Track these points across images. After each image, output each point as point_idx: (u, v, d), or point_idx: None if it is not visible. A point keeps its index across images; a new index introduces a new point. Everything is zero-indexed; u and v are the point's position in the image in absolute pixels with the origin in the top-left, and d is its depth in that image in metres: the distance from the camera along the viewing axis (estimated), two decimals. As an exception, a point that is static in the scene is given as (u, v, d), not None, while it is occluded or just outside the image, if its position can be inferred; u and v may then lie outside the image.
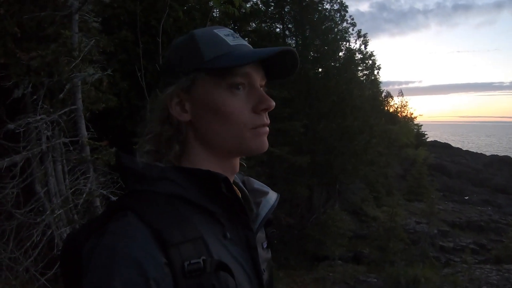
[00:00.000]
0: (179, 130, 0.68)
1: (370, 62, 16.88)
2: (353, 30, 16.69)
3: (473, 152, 39.82)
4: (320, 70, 14.81)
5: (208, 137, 0.68)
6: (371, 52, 18.16)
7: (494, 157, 35.67)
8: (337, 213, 12.62)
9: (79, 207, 3.77)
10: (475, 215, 16.55)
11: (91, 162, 3.69)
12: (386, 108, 26.11)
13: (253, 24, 12.72)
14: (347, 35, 15.87)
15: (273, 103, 0.68)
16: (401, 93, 30.84)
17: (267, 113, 0.69)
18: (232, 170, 0.72)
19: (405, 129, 27.30)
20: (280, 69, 0.72)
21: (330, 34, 14.80)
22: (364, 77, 18.76)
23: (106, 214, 0.59)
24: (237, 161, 0.73)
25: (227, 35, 0.68)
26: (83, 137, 3.69)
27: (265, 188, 0.81)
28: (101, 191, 3.70)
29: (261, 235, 0.75)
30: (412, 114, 31.01)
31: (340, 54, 15.69)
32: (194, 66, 0.66)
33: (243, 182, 0.82)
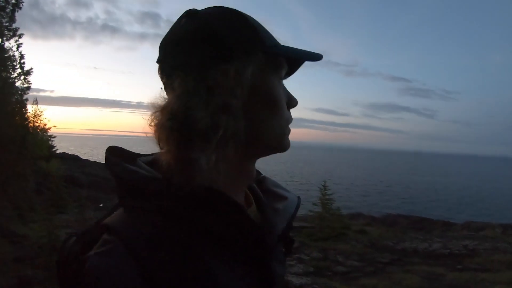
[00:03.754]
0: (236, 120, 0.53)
1: (25, 66, 15.45)
2: (10, 26, 14.74)
3: (101, 163, 42.64)
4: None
5: (259, 131, 0.56)
6: (23, 55, 16.58)
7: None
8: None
9: None
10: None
11: None
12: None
13: None
14: (6, 32, 13.92)
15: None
16: (36, 102, 28.27)
17: None
18: (251, 176, 0.62)
19: (39, 140, 25.69)
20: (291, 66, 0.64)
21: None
22: (15, 81, 16.71)
23: (94, 234, 0.49)
24: (254, 165, 0.63)
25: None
26: None
27: (284, 191, 0.70)
28: None
29: (278, 248, 0.63)
30: (46, 125, 29.34)
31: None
32: (257, 48, 0.56)
33: (259, 182, 0.71)
